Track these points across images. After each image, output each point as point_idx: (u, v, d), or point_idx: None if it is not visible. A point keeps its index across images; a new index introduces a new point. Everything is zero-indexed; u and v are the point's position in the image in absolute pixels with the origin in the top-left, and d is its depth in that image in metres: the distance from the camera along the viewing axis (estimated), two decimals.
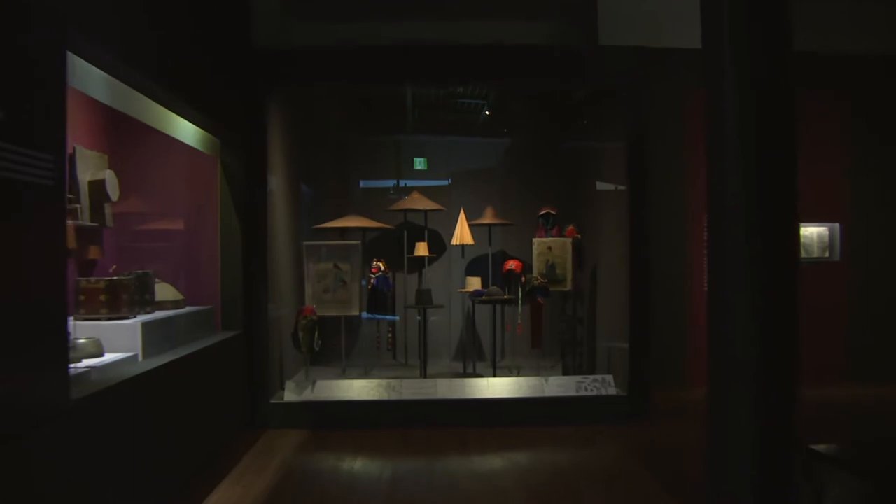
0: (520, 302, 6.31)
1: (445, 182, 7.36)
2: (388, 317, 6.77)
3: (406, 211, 6.89)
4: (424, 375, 5.87)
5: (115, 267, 4.48)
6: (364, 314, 6.42)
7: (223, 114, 4.97)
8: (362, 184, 7.50)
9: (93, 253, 4.55)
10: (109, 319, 3.96)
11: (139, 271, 4.42)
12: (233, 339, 5.16)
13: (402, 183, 7.43)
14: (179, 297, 4.89)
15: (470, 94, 7.62)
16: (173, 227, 5.39)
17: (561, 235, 6.38)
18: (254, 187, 5.41)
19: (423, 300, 5.90)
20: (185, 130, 4.88)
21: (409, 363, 7.01)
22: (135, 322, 3.94)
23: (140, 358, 3.86)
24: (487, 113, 7.72)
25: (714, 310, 2.53)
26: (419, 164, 7.24)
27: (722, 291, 2.48)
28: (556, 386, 5.58)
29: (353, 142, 7.47)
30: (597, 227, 6.57)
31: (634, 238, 5.60)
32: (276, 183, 5.90)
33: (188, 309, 4.90)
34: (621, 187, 6.03)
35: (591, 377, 5.67)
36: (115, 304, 4.02)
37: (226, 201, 5.29)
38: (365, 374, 6.48)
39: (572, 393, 5.55)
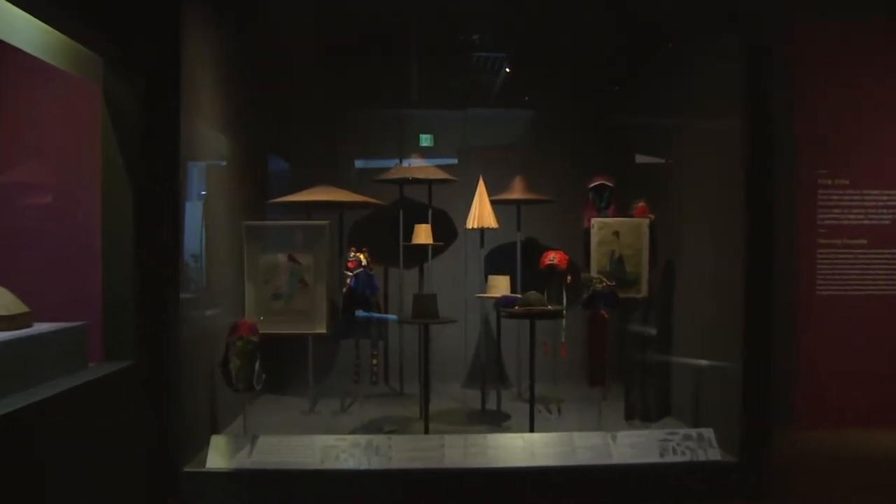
0: (564, 310, 4.36)
1: (453, 160, 5.46)
2: (385, 316, 4.83)
3: (402, 182, 4.94)
4: (426, 429, 3.90)
5: None
6: (360, 313, 4.45)
7: (107, 15, 3.04)
8: (358, 164, 5.57)
9: None
10: None
11: None
12: (120, 374, 3.23)
13: (405, 163, 5.53)
14: (20, 309, 2.95)
15: (486, 47, 5.73)
16: (21, 198, 3.43)
17: (624, 215, 4.40)
18: (160, 135, 3.43)
19: (425, 310, 3.92)
20: (41, 39, 2.95)
21: (406, 392, 5.08)
22: None
23: None
24: (507, 70, 5.79)
25: None
26: (425, 140, 5.69)
27: None
28: (629, 446, 3.63)
29: (340, 109, 5.49)
30: (670, 205, 4.58)
31: (755, 227, 3.69)
32: (203, 134, 3.93)
33: (35, 329, 2.97)
34: (704, 153, 4.11)
35: (682, 432, 3.72)
36: None
37: (112, 156, 3.33)
38: (342, 411, 4.57)
39: (654, 458, 3.60)
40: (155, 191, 3.41)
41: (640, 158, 5.17)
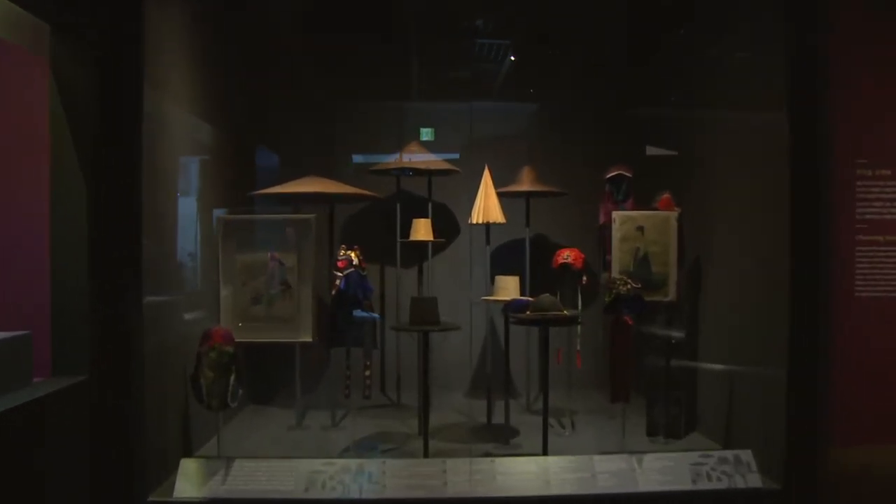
0: (579, 313, 3.92)
1: (455, 155, 5.01)
2: (370, 315, 4.35)
3: (400, 173, 4.51)
4: (426, 451, 3.45)
5: None
6: (358, 313, 4.00)
7: None
8: (356, 159, 5.11)
9: None
10: None
11: None
12: (72, 390, 2.81)
13: (406, 158, 5.09)
14: None
15: (489, 33, 5.32)
16: None
17: (644, 208, 3.96)
18: (118, 116, 2.98)
19: (424, 316, 3.47)
20: None
21: (403, 402, 4.64)
22: None
23: None
24: (513, 58, 5.38)
25: None
26: (426, 134, 5.24)
27: None
28: (657, 471, 3.18)
29: (336, 101, 5.04)
30: (695, 197, 4.14)
31: (801, 222, 3.26)
32: (172, 116, 3.49)
33: None
34: (734, 141, 3.69)
35: (716, 455, 3.27)
36: None
37: (61, 139, 2.89)
38: (333, 425, 4.14)
39: (686, 485, 3.15)
40: (113, 180, 2.96)
41: (660, 148, 4.72)
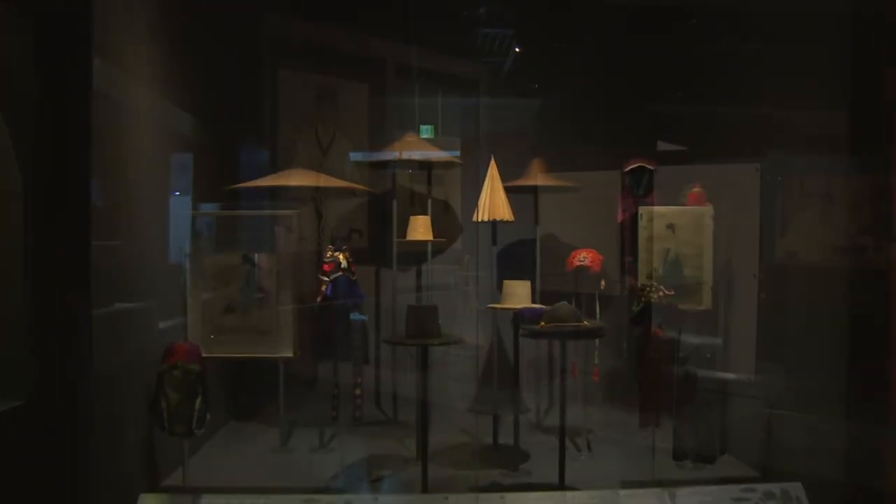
0: (601, 324, 3.49)
1: (455, 153, 4.73)
2: (357, 316, 3.91)
3: (396, 166, 4.10)
4: (425, 483, 3.00)
5: None
6: (356, 315, 3.58)
7: None
8: (353, 156, 4.75)
9: None
10: None
11: None
12: (6, 418, 2.37)
13: (406, 155, 4.75)
14: None
15: (493, 22, 4.94)
16: None
17: (671, 203, 3.53)
18: (61, 91, 2.55)
19: (422, 327, 3.03)
20: None
21: (401, 419, 4.22)
22: None
23: None
24: (517, 50, 5.06)
25: None
26: (426, 132, 5.06)
27: None
28: None
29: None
30: (724, 192, 3.71)
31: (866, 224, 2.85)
32: (134, 97, 3.05)
33: None
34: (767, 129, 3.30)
35: (761, 488, 2.85)
36: None
37: None
38: (321, 446, 3.72)
39: None
40: (56, 171, 2.54)
41: (681, 138, 4.30)
